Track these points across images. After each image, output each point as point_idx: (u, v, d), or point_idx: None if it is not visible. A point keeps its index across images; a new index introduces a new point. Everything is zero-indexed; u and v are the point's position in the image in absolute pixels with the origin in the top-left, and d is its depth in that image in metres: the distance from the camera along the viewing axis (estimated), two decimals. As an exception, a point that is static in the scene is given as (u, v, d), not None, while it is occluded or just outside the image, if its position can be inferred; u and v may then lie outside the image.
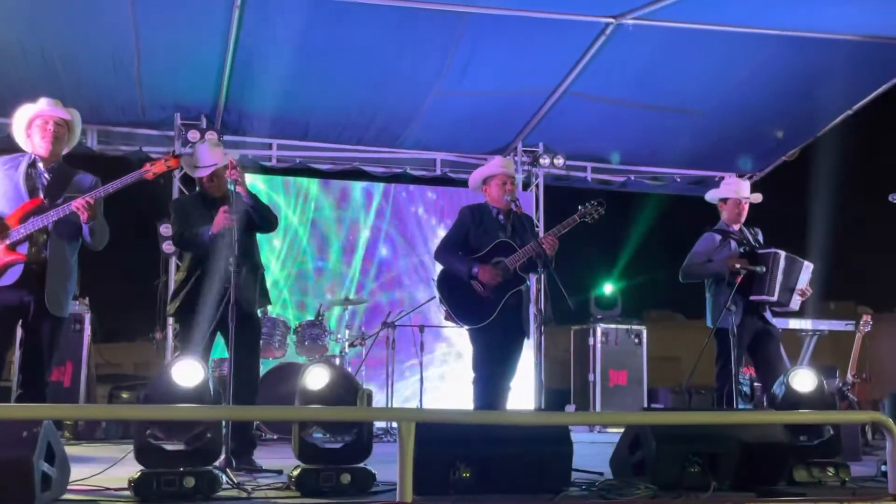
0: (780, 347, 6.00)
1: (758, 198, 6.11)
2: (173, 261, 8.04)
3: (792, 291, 5.81)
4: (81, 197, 4.37)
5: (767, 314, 5.95)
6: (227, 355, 4.76)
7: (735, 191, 6.14)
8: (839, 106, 8.50)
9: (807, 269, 5.84)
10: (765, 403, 4.86)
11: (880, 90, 8.03)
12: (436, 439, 3.61)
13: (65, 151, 4.70)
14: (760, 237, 6.12)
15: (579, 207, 5.44)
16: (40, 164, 4.55)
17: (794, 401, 4.48)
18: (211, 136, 8.03)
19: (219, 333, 4.95)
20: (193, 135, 8.12)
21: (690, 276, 6.09)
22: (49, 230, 4.44)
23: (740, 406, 5.88)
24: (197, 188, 5.32)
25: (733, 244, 5.99)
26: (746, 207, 6.09)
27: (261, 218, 4.99)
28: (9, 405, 4.16)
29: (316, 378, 4.07)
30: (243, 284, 4.75)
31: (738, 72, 7.86)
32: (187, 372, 3.85)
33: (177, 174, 8.07)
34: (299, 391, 4.09)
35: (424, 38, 7.32)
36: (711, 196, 6.37)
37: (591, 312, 9.24)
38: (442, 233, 8.34)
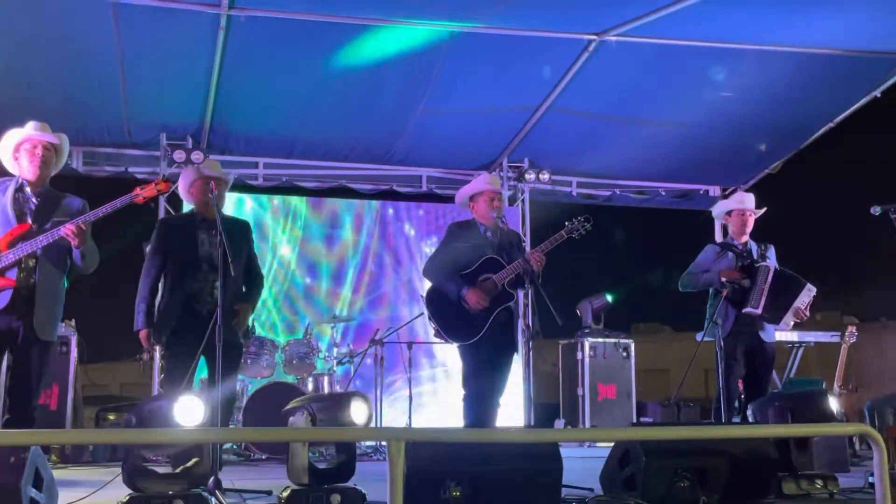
0: (770, 365, 5.98)
1: (761, 210, 6.13)
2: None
3: (786, 309, 5.74)
4: (72, 222, 4.35)
5: (765, 331, 5.89)
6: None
7: (738, 201, 6.17)
8: (821, 118, 8.58)
9: (808, 291, 5.78)
10: (756, 418, 4.86)
11: (861, 102, 8.12)
12: (426, 457, 3.62)
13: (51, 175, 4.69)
14: (770, 253, 6.06)
15: (566, 224, 5.48)
16: (28, 189, 4.54)
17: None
18: (197, 155, 8.04)
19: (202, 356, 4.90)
20: (179, 155, 8.11)
21: (686, 285, 6.13)
22: (38, 255, 4.42)
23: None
24: (192, 207, 5.25)
25: (730, 256, 6.01)
26: (751, 220, 6.10)
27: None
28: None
29: (360, 412, 4.12)
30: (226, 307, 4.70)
31: (720, 86, 7.92)
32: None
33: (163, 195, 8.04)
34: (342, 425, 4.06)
35: (409, 57, 7.34)
36: (718, 211, 6.40)
37: (580, 317, 9.17)
38: (429, 249, 8.35)
